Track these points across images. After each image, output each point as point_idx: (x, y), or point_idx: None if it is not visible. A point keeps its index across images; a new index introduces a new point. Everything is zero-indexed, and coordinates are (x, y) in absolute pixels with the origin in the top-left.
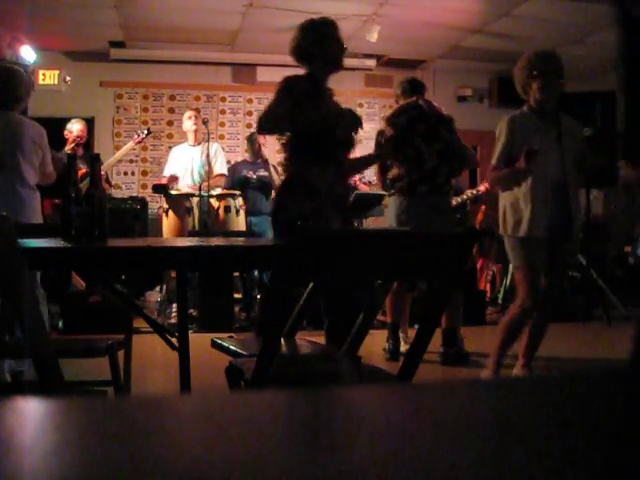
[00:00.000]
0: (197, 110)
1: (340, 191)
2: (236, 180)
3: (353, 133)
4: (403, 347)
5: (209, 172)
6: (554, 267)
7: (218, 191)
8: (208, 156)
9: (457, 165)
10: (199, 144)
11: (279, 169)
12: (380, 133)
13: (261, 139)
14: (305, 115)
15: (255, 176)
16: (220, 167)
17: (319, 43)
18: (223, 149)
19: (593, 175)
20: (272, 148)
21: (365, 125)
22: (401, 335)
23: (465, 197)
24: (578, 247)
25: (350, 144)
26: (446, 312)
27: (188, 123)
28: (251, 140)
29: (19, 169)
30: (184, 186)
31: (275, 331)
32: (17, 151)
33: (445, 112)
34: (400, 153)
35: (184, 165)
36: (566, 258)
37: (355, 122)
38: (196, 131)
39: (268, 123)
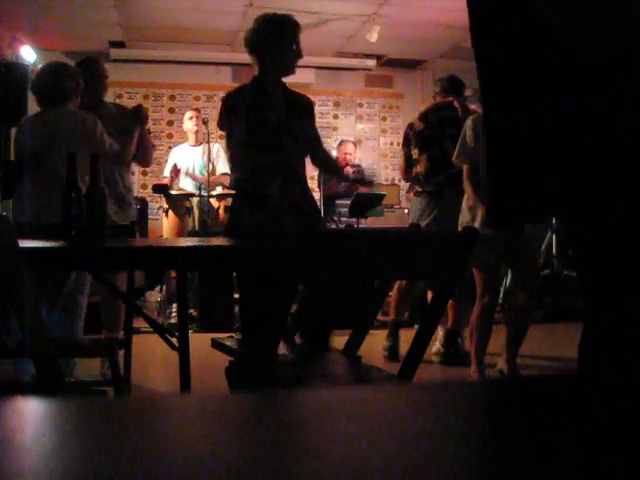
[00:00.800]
0: (198, 110)
1: (296, 199)
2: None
3: (307, 127)
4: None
5: (212, 172)
6: (515, 265)
7: (218, 191)
8: (209, 156)
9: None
10: (200, 144)
11: None
12: (410, 126)
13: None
14: (250, 132)
15: None
16: (223, 167)
17: (276, 41)
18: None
19: None
20: None
21: (365, 125)
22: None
23: None
24: (537, 243)
25: (301, 146)
26: (453, 313)
27: (189, 123)
28: None
29: (55, 166)
30: (186, 184)
31: (275, 331)
32: (53, 148)
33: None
34: (426, 151)
35: (185, 165)
36: (526, 254)
37: (306, 113)
38: (197, 132)
39: (236, 148)
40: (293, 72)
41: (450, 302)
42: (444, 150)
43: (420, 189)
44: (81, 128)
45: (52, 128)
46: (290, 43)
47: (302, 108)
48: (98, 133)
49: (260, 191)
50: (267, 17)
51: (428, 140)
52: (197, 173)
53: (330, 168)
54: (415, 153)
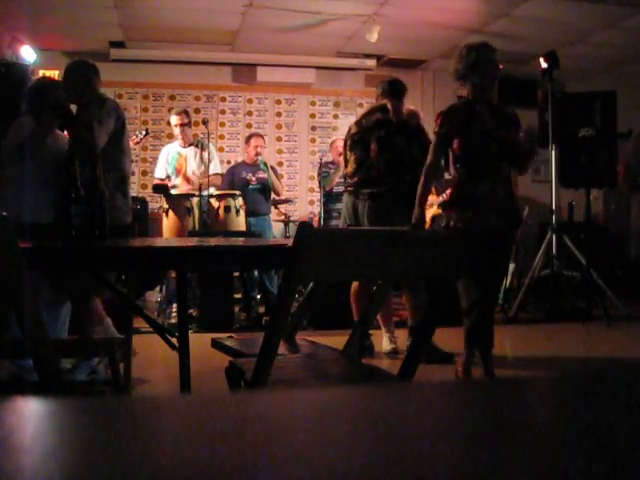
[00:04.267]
0: (183, 113)
1: (502, 197)
2: (237, 183)
3: (510, 136)
4: (388, 346)
5: (204, 173)
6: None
7: (212, 191)
8: (208, 156)
9: (409, 178)
10: (190, 145)
11: (278, 170)
12: (348, 129)
13: (260, 141)
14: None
15: (255, 178)
16: (214, 167)
17: (472, 67)
18: (223, 149)
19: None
20: (272, 148)
21: None
22: (387, 335)
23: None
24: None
25: (509, 151)
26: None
27: (175, 129)
28: (264, 166)
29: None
30: (182, 185)
31: (275, 331)
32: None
33: (422, 122)
34: (353, 153)
35: (176, 164)
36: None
37: (510, 124)
38: (183, 138)
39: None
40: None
41: (408, 299)
42: (368, 152)
43: (345, 188)
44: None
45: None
46: (485, 65)
47: (507, 121)
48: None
49: (471, 191)
50: (463, 49)
51: (356, 142)
52: (189, 173)
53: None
54: (347, 155)
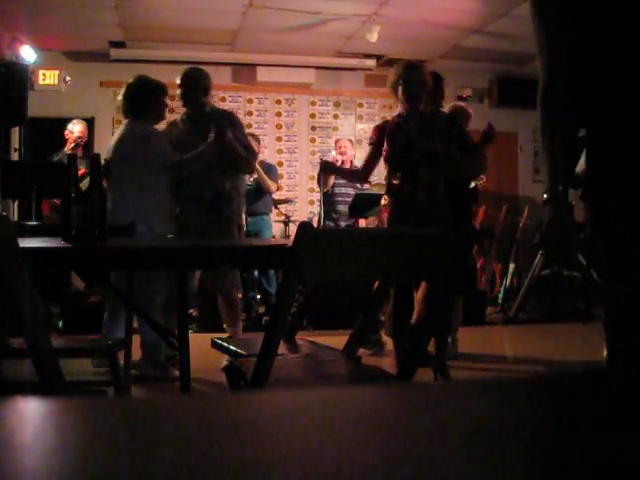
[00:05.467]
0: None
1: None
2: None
3: (431, 146)
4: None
5: None
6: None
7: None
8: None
9: None
10: None
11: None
12: None
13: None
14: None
15: (251, 178)
16: None
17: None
18: None
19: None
20: (272, 148)
21: (365, 125)
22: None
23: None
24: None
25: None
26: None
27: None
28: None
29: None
30: None
31: (275, 331)
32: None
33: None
34: None
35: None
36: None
37: (441, 133)
38: None
39: None
40: None
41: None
42: None
43: None
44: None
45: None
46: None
47: (436, 130)
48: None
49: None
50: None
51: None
52: None
53: None
54: None
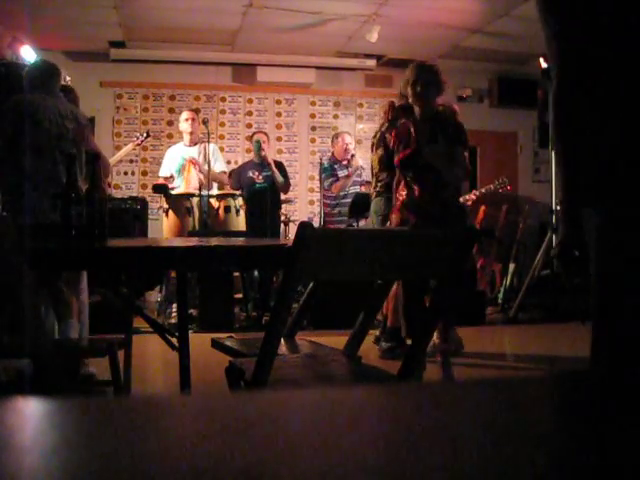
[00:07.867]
0: (196, 111)
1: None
2: (244, 184)
3: (439, 149)
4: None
5: (209, 172)
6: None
7: (216, 188)
8: (207, 156)
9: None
10: (195, 144)
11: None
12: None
13: (262, 137)
14: None
15: (261, 177)
16: (220, 165)
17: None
18: (223, 149)
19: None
20: (272, 148)
21: (365, 125)
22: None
23: None
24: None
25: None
26: (394, 310)
27: (184, 125)
28: (257, 145)
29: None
30: (181, 186)
31: (275, 331)
32: None
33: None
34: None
35: (180, 165)
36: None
37: (449, 136)
38: (192, 133)
39: None
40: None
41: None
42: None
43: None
44: None
45: None
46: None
47: (445, 133)
48: None
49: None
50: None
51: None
52: (193, 173)
53: None
54: None
